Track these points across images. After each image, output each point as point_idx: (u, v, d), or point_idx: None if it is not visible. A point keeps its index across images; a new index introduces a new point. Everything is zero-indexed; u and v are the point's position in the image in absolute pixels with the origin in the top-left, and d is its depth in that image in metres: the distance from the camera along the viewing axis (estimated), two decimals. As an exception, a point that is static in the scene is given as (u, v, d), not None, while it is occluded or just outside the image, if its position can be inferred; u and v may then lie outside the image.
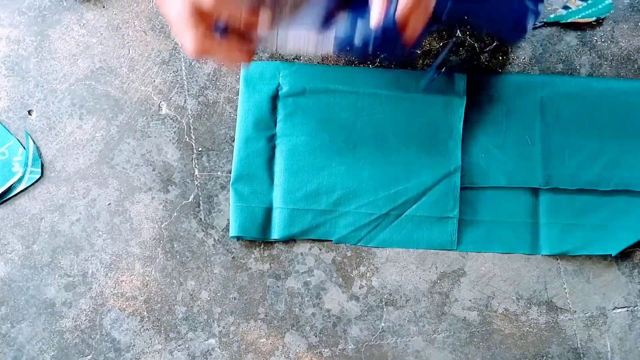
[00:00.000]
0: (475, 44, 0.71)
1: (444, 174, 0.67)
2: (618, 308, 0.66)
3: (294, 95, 0.69)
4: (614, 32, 0.71)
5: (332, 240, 0.67)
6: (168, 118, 0.70)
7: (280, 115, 0.69)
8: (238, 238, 0.67)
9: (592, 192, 0.67)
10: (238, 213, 0.67)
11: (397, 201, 0.67)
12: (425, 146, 0.68)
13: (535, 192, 0.67)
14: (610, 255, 0.65)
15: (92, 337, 0.66)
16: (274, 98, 0.69)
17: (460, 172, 0.67)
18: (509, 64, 0.70)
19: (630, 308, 0.66)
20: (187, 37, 0.47)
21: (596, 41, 0.71)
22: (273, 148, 0.68)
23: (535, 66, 0.70)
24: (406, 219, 0.67)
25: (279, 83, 0.68)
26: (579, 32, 0.71)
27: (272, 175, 0.68)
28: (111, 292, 0.67)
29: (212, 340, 0.66)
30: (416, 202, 0.67)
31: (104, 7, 0.72)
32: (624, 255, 0.67)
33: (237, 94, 0.70)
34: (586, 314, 0.66)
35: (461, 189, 0.67)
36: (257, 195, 0.67)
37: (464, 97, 0.68)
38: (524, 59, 0.71)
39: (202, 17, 0.46)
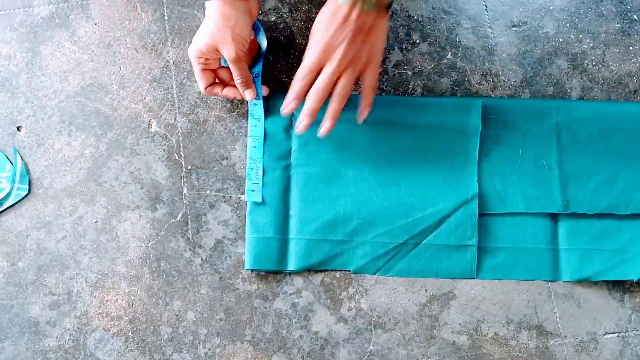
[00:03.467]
0: (466, 66, 0.71)
1: (462, 201, 0.66)
2: (609, 333, 0.65)
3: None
4: (605, 55, 0.71)
5: (350, 271, 0.66)
6: (158, 136, 0.69)
7: (294, 146, 0.68)
8: (253, 270, 0.66)
9: (610, 217, 0.66)
10: (254, 245, 0.66)
11: (415, 230, 0.66)
12: (441, 173, 0.67)
13: (554, 217, 0.67)
14: (605, 280, 0.65)
15: (76, 357, 0.65)
16: (288, 128, 0.68)
17: (478, 198, 0.66)
18: (500, 87, 0.70)
19: (622, 333, 0.65)
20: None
21: (587, 65, 0.71)
22: (288, 178, 0.68)
23: (526, 89, 0.70)
24: (424, 248, 0.66)
25: (293, 113, 0.66)
26: (569, 56, 0.71)
27: (287, 206, 0.67)
28: (96, 311, 0.66)
29: (197, 362, 0.65)
30: (434, 230, 0.66)
31: (95, 24, 0.72)
32: (615, 280, 0.66)
33: (228, 112, 0.70)
34: (577, 339, 0.65)
35: (479, 215, 0.66)
36: (273, 226, 0.66)
37: (479, 123, 0.67)
38: (514, 81, 0.71)
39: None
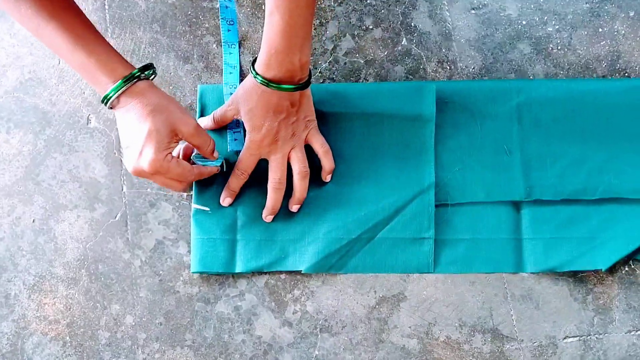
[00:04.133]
0: (422, 53, 0.67)
1: (417, 191, 0.62)
2: (569, 337, 0.61)
3: None
4: (571, 38, 0.66)
5: (301, 271, 0.62)
6: (97, 131, 0.66)
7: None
8: (200, 273, 0.63)
9: (577, 202, 0.62)
10: (199, 246, 0.62)
11: (368, 224, 0.62)
12: (395, 163, 0.63)
13: (516, 205, 0.63)
14: (567, 281, 0.61)
15: (14, 362, 0.63)
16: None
17: (435, 188, 0.62)
18: (457, 74, 0.66)
19: (583, 337, 0.61)
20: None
21: (552, 49, 0.66)
22: None
23: (485, 76, 0.66)
24: (379, 242, 0.62)
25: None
26: (533, 40, 0.66)
27: (235, 207, 0.63)
28: (34, 315, 0.64)
29: (137, 367, 0.63)
30: (388, 223, 0.62)
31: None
32: (577, 280, 0.62)
33: (170, 106, 0.66)
34: (534, 343, 0.61)
35: (436, 206, 0.62)
36: (220, 227, 0.63)
37: (434, 108, 0.63)
38: (473, 68, 0.66)
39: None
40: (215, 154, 0.60)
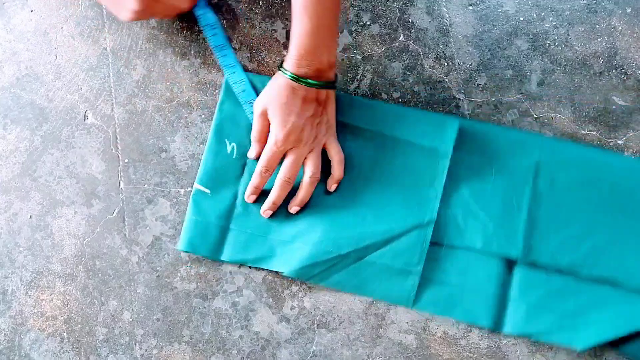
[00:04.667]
0: (419, 49, 0.66)
1: (416, 224, 0.61)
2: (566, 332, 0.62)
3: None
4: (568, 35, 0.67)
5: (282, 273, 0.62)
6: (94, 127, 0.66)
7: (248, 131, 0.64)
8: (185, 252, 0.63)
9: (571, 275, 0.60)
10: (192, 226, 0.63)
11: (360, 244, 0.61)
12: (401, 190, 0.62)
13: (510, 263, 0.61)
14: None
15: (11, 358, 0.63)
16: (240, 113, 0.64)
17: (434, 225, 0.62)
18: (454, 71, 0.66)
19: (579, 332, 0.61)
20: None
21: (549, 45, 0.66)
22: (243, 166, 0.64)
23: (482, 72, 0.66)
24: (365, 264, 0.61)
25: (245, 96, 0.64)
26: (530, 36, 0.66)
27: (235, 194, 0.63)
28: (31, 311, 0.64)
29: (135, 363, 0.63)
30: (380, 248, 0.61)
31: (32, 11, 0.69)
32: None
33: (167, 101, 0.66)
34: (531, 339, 0.61)
35: (431, 244, 0.61)
36: (216, 212, 0.63)
37: (452, 145, 0.62)
38: (470, 65, 0.66)
39: None
40: None
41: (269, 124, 0.60)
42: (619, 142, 0.64)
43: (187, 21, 0.68)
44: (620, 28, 0.66)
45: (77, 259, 0.64)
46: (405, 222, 0.61)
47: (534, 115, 0.65)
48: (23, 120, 0.67)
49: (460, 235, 0.62)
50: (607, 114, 0.65)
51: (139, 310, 0.63)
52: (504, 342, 0.61)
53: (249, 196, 0.62)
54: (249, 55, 0.67)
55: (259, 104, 0.60)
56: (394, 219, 0.62)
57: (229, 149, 0.63)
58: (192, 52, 0.67)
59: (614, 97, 0.65)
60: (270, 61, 0.66)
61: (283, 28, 0.67)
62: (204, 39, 0.67)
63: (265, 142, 0.61)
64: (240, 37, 0.67)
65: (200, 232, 0.62)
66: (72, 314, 0.63)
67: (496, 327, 0.60)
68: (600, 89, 0.65)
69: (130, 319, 0.63)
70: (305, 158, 0.61)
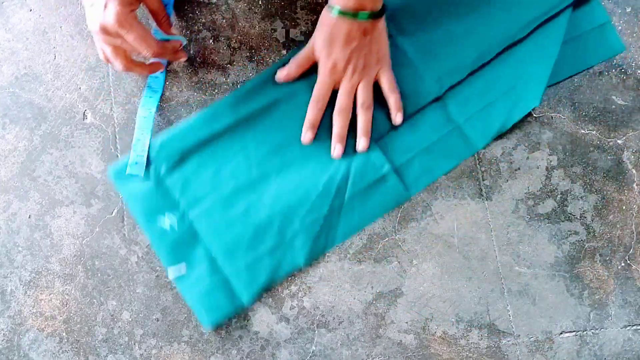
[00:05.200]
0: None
1: (355, 141, 0.63)
2: (565, 332, 0.62)
3: (176, 165, 0.63)
4: (568, 34, 0.66)
5: (301, 268, 0.62)
6: (93, 127, 0.66)
7: (176, 193, 0.63)
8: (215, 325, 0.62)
9: (482, 69, 0.64)
10: (199, 303, 0.61)
11: (331, 193, 0.63)
12: (324, 130, 0.63)
13: (439, 100, 0.64)
14: (563, 277, 0.61)
15: (10, 358, 0.63)
16: (160, 181, 0.63)
17: None
18: (454, 70, 0.66)
19: (579, 332, 0.62)
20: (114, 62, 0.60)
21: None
22: (190, 225, 0.62)
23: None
24: (350, 202, 0.63)
25: (154, 165, 0.63)
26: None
27: (206, 247, 0.62)
28: (30, 311, 0.64)
29: (134, 363, 0.63)
30: (347, 181, 0.63)
31: (30, 10, 0.69)
32: (574, 276, 0.62)
33: (166, 101, 0.66)
34: (531, 339, 0.61)
35: (377, 141, 0.63)
36: (205, 275, 0.61)
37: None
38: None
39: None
40: (175, 32, 0.62)
41: (312, 61, 0.62)
42: (619, 141, 0.64)
43: (186, 20, 0.68)
44: (620, 28, 0.66)
45: (76, 259, 0.64)
46: (349, 147, 0.63)
47: (534, 115, 0.65)
48: (22, 119, 0.67)
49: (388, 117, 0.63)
50: (606, 114, 0.65)
51: (138, 310, 0.63)
52: (504, 342, 0.61)
53: (306, 133, 0.63)
54: (248, 54, 0.66)
55: (310, 41, 0.62)
56: (328, 156, 0.63)
57: (166, 224, 0.62)
58: (192, 52, 0.67)
59: (614, 97, 0.65)
60: (270, 60, 0.66)
61: (282, 27, 0.67)
62: (203, 38, 0.67)
63: (300, 70, 0.63)
64: (239, 37, 0.67)
65: (208, 301, 0.61)
66: (71, 314, 0.63)
67: (472, 149, 0.64)
68: (600, 89, 0.65)
69: (130, 319, 0.63)
70: (356, 88, 0.62)
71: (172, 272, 0.62)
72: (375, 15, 0.59)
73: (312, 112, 0.62)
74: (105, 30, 0.56)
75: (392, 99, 0.63)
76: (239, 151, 0.63)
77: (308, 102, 0.63)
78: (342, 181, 0.63)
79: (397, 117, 0.63)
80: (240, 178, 0.63)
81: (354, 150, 0.63)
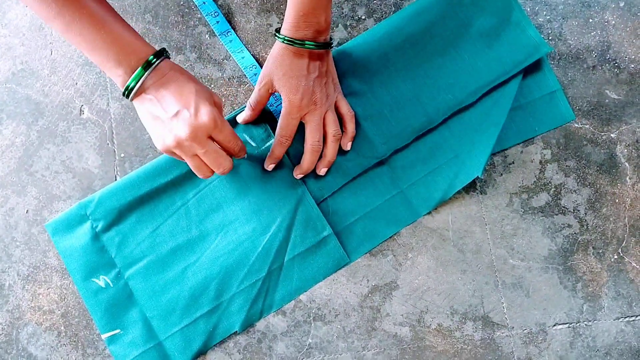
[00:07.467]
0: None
1: (295, 202, 0.62)
2: (559, 324, 0.62)
3: (114, 223, 0.62)
4: (562, 29, 0.67)
5: (237, 332, 0.62)
6: (90, 122, 0.66)
7: (112, 251, 0.62)
8: None
9: (429, 132, 0.64)
10: None
11: (270, 255, 0.62)
12: (264, 188, 0.63)
13: (385, 163, 0.64)
14: (557, 269, 0.62)
15: (8, 352, 0.64)
16: (95, 238, 0.62)
17: (306, 189, 0.63)
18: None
19: (572, 324, 0.62)
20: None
21: (543, 39, 0.66)
22: (125, 284, 0.62)
23: (476, 66, 0.66)
24: (289, 265, 0.62)
25: (90, 222, 0.62)
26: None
27: (141, 309, 0.62)
28: (28, 305, 0.64)
29: (132, 356, 0.63)
30: (287, 244, 0.62)
31: (26, 6, 0.69)
32: (567, 268, 0.63)
33: (163, 97, 0.66)
34: (524, 330, 0.62)
35: (318, 204, 0.63)
36: (139, 340, 0.61)
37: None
38: (464, 58, 0.66)
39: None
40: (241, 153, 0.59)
41: (269, 95, 0.60)
42: (612, 135, 0.65)
43: (181, 15, 0.68)
44: (613, 22, 0.67)
45: (74, 253, 0.64)
46: (286, 208, 0.62)
47: (528, 109, 0.65)
48: (19, 115, 0.67)
49: (331, 180, 0.63)
50: (600, 108, 0.65)
51: (136, 304, 0.63)
52: (498, 334, 0.62)
53: (269, 165, 0.62)
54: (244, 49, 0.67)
55: (263, 75, 0.59)
56: (277, 215, 0.62)
57: (101, 284, 0.62)
58: (188, 47, 0.67)
59: (607, 91, 0.65)
60: (266, 55, 0.67)
61: (278, 22, 0.67)
62: (199, 33, 0.67)
63: (258, 112, 0.62)
64: (235, 32, 0.67)
65: None
66: (69, 308, 0.64)
67: (414, 216, 0.63)
68: (593, 83, 0.66)
69: (127, 313, 0.63)
70: (323, 119, 0.61)
71: (107, 335, 0.61)
72: (328, 45, 0.58)
73: (279, 150, 0.61)
74: (198, 133, 0.52)
75: (350, 127, 0.62)
76: (179, 207, 0.63)
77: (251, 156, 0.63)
78: (283, 243, 0.62)
79: (348, 145, 0.63)
80: (180, 237, 0.62)
81: (296, 211, 0.63)
